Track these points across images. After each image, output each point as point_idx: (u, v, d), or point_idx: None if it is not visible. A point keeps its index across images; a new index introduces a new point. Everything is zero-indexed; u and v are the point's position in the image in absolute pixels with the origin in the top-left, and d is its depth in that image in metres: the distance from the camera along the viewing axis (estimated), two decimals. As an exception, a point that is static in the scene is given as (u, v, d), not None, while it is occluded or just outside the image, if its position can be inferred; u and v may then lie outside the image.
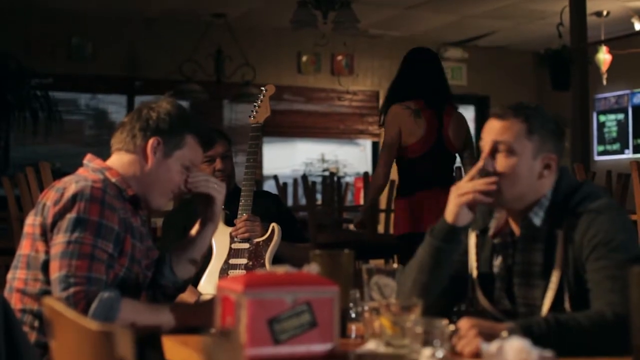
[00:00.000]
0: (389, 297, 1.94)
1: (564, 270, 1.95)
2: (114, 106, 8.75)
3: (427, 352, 1.58)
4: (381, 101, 9.51)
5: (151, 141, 2.19)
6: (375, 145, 9.67)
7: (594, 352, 1.72)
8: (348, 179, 9.15)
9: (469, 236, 2.17)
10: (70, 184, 2.09)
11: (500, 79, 9.94)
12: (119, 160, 2.22)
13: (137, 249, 2.16)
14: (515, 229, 2.09)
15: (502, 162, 2.02)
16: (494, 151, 2.03)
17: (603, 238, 1.91)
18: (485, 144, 2.05)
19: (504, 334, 1.71)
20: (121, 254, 2.10)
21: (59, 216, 2.04)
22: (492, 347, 1.55)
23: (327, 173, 8.81)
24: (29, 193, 4.32)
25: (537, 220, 2.03)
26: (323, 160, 9.74)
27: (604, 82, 7.48)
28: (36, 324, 2.05)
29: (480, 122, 10.21)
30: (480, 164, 2.04)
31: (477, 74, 9.89)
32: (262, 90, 3.40)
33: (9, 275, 2.13)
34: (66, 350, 1.44)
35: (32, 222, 2.10)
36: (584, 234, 1.93)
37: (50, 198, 2.09)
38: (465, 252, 2.17)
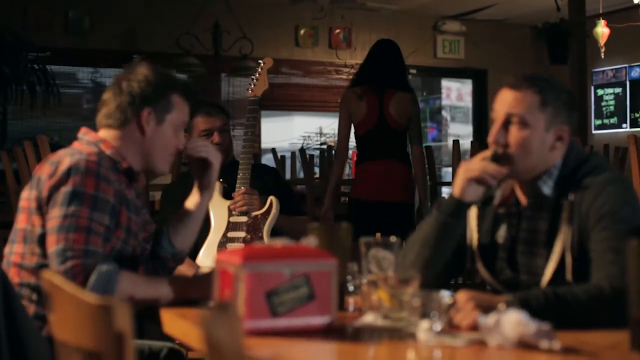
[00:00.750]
0: (386, 270, 1.95)
1: (568, 240, 1.96)
2: (112, 80, 8.71)
3: (424, 324, 1.59)
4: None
5: (144, 113, 2.20)
6: (373, 119, 9.64)
7: (592, 325, 1.73)
8: (345, 153, 9.12)
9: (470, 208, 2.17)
10: (64, 157, 2.08)
11: (498, 52, 9.88)
12: (111, 134, 2.22)
13: (132, 222, 2.16)
14: (522, 198, 2.10)
15: (514, 134, 2.01)
16: (506, 123, 2.03)
17: (609, 209, 1.91)
18: (498, 115, 2.03)
19: (502, 306, 1.71)
20: (117, 227, 2.10)
21: (54, 189, 2.04)
22: (489, 319, 1.55)
23: (324, 146, 8.79)
24: (27, 167, 4.31)
25: (546, 189, 2.04)
26: (321, 134, 9.72)
27: (602, 55, 7.44)
28: (34, 297, 2.06)
29: (478, 96, 10.17)
30: (492, 137, 2.03)
31: (475, 47, 9.84)
32: (259, 63, 3.39)
33: (6, 250, 2.13)
34: (65, 324, 1.45)
35: (27, 196, 2.10)
36: (591, 205, 1.94)
37: (44, 172, 2.08)
38: (464, 225, 2.17)
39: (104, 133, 2.23)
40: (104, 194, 2.05)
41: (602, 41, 7.38)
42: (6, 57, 7.00)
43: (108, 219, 2.05)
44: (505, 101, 2.02)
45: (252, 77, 3.37)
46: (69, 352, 1.44)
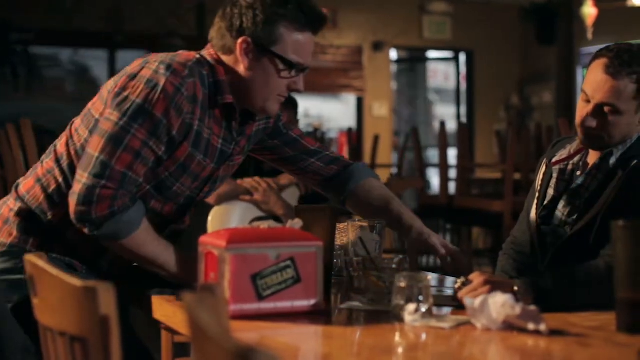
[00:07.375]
0: (373, 252, 1.94)
1: (606, 205, 1.97)
2: (96, 61, 8.66)
3: (411, 307, 1.58)
4: (365, 56, 9.45)
5: (240, 43, 1.94)
6: (359, 101, 9.63)
7: (595, 304, 1.73)
8: (332, 135, 9.13)
9: (541, 164, 2.20)
10: (151, 65, 1.89)
11: (486, 33, 9.87)
12: (222, 58, 1.98)
13: (195, 161, 1.97)
14: (594, 157, 2.10)
15: (605, 121, 1.99)
16: (597, 107, 2.00)
17: None
18: (591, 98, 2.00)
19: (516, 288, 1.71)
20: (170, 158, 1.93)
21: (124, 90, 1.87)
22: (476, 301, 1.55)
23: (311, 129, 8.78)
24: (9, 150, 4.27)
25: (613, 159, 2.04)
26: (307, 116, 9.70)
27: (590, 36, 7.44)
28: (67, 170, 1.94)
29: (466, 78, 10.16)
30: (580, 119, 2.03)
31: (461, 28, 9.82)
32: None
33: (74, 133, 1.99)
34: (49, 307, 1.43)
35: (107, 87, 1.94)
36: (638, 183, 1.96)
37: (132, 65, 1.93)
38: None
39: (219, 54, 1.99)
40: (169, 122, 1.86)
41: (589, 22, 7.38)
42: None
43: (164, 148, 1.89)
44: (601, 88, 1.98)
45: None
46: (54, 336, 1.43)
